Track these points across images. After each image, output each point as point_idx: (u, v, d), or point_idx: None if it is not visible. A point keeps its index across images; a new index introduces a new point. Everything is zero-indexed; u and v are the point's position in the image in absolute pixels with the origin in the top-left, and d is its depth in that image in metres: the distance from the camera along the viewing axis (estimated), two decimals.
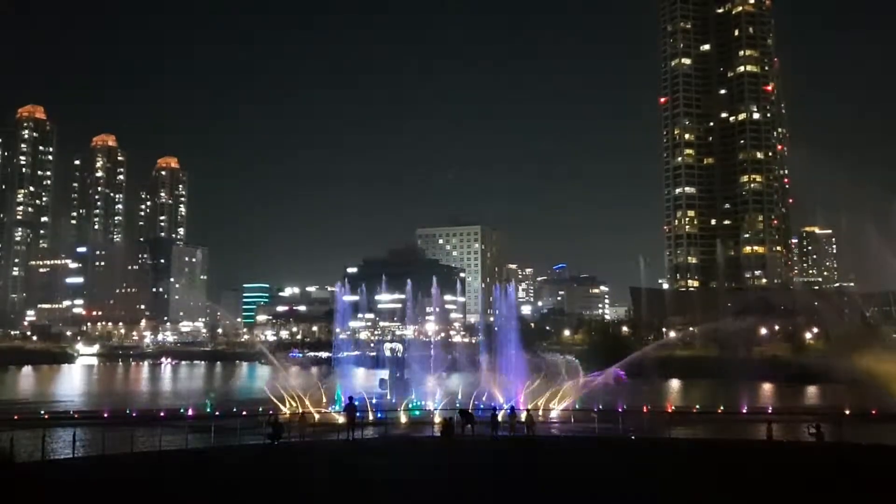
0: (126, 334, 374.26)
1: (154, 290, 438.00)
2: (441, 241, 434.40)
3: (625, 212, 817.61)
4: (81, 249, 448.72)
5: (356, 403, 60.24)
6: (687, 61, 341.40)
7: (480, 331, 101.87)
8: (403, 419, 74.06)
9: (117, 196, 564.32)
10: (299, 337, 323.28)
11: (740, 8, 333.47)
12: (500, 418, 59.93)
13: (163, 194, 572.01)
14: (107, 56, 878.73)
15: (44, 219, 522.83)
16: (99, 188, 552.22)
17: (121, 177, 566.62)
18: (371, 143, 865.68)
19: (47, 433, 50.33)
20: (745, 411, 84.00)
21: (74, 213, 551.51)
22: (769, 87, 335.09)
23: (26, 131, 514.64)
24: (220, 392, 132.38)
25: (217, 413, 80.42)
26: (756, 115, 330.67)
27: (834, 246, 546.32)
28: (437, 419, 63.70)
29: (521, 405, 74.92)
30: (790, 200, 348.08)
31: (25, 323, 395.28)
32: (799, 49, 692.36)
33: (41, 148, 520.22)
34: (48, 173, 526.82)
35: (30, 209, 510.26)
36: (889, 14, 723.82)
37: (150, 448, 49.48)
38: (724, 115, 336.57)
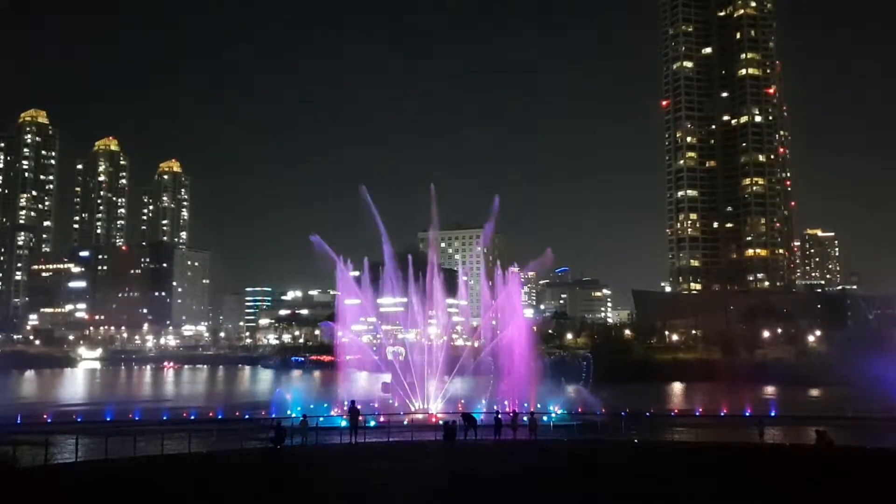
0: (128, 338, 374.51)
1: (156, 294, 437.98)
2: (443, 245, 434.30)
3: (627, 215, 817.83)
4: (84, 253, 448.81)
5: (358, 407, 60.19)
6: (688, 64, 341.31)
7: (483, 334, 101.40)
8: (406, 423, 73.90)
9: (120, 200, 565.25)
10: (302, 340, 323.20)
11: (742, 11, 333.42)
12: (503, 422, 59.74)
13: (165, 198, 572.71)
14: (109, 60, 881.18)
15: (46, 223, 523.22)
16: (101, 192, 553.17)
17: (123, 181, 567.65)
18: (374, 147, 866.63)
19: (49, 438, 50.24)
20: (748, 414, 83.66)
21: (77, 217, 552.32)
22: (771, 90, 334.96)
23: (29, 136, 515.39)
24: (223, 396, 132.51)
25: (220, 417, 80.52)
26: (758, 118, 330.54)
27: (836, 248, 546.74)
28: (440, 423, 63.55)
29: (524, 409, 74.77)
30: (792, 204, 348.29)
31: (28, 327, 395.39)
32: (801, 51, 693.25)
33: (44, 152, 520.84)
34: (51, 177, 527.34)
35: (32, 213, 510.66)
36: (890, 14, 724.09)
37: (152, 452, 49.40)
38: (725, 117, 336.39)
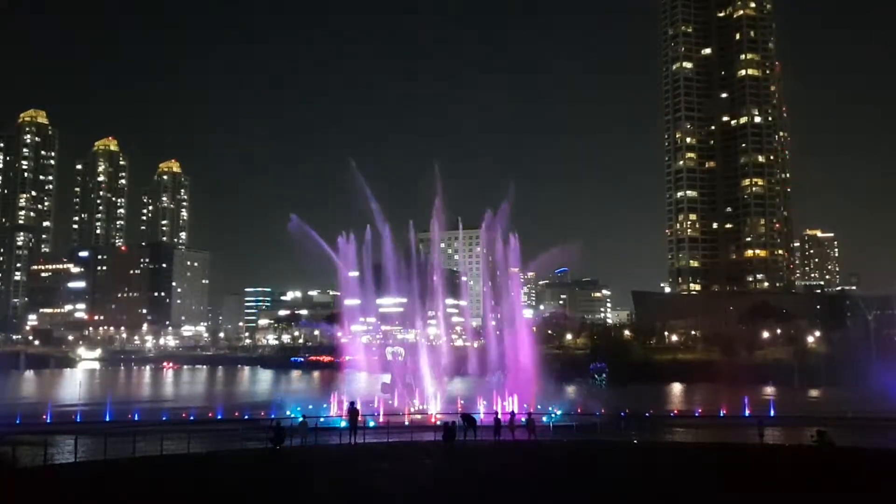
0: (128, 339, 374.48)
1: (156, 294, 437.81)
2: (443, 245, 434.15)
3: (627, 215, 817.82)
4: (83, 254, 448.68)
5: (358, 408, 60.12)
6: (688, 65, 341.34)
7: (483, 335, 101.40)
8: (406, 423, 73.84)
9: (119, 200, 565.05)
10: (301, 341, 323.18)
11: (741, 12, 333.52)
12: (502, 423, 59.66)
13: (165, 198, 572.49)
14: (109, 60, 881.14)
15: (46, 223, 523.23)
16: (101, 192, 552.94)
17: (123, 181, 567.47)
18: (373, 147, 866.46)
19: (49, 438, 50.21)
20: (747, 415, 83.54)
21: (76, 218, 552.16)
22: (770, 91, 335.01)
23: (28, 136, 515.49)
24: (223, 396, 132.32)
25: (220, 417, 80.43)
26: (757, 119, 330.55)
27: (836, 249, 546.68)
28: (440, 423, 63.46)
29: (523, 409, 74.65)
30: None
31: (27, 327, 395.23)
32: (801, 51, 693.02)
33: (43, 152, 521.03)
34: (50, 178, 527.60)
35: (32, 213, 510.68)
36: (890, 14, 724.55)
37: (151, 453, 49.33)
38: (725, 118, 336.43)
